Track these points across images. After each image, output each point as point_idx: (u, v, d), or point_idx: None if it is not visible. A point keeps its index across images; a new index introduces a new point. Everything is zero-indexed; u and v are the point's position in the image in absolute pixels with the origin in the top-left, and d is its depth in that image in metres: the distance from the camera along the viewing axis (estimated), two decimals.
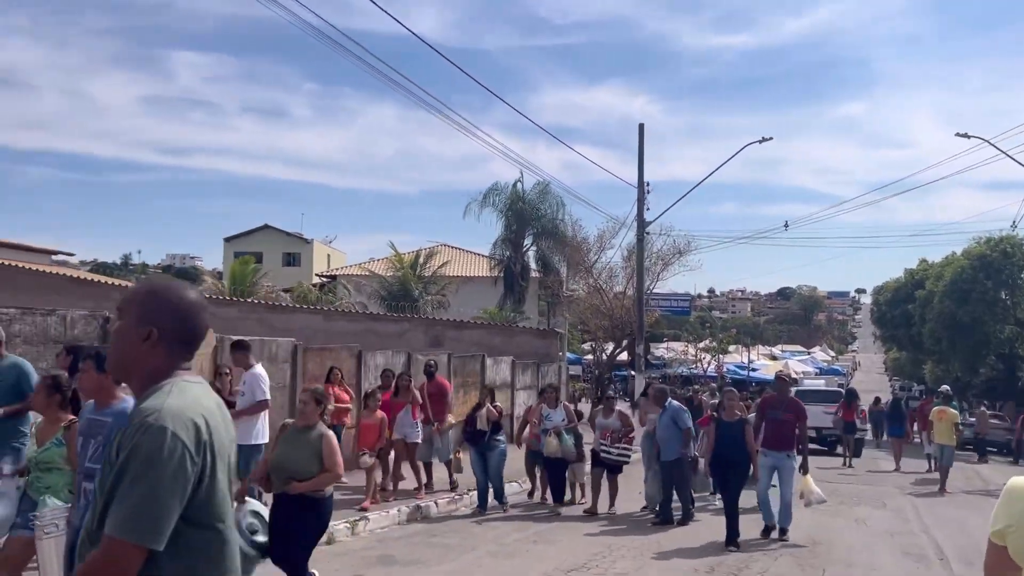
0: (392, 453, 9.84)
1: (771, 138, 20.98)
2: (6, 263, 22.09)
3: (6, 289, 20.50)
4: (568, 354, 41.05)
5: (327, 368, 10.97)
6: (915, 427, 19.74)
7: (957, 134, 20.17)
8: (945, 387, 15.43)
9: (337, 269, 42.23)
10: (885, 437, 20.96)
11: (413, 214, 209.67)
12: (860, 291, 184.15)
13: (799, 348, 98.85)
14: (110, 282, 26.94)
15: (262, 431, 7.49)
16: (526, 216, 36.65)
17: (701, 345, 51.75)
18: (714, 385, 31.45)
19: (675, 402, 9.97)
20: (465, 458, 10.57)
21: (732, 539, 8.15)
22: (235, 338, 7.71)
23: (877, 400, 22.81)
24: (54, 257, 31.27)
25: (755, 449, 8.59)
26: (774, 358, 72.52)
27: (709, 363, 49.05)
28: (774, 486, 8.84)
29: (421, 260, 33.54)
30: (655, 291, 40.25)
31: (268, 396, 7.62)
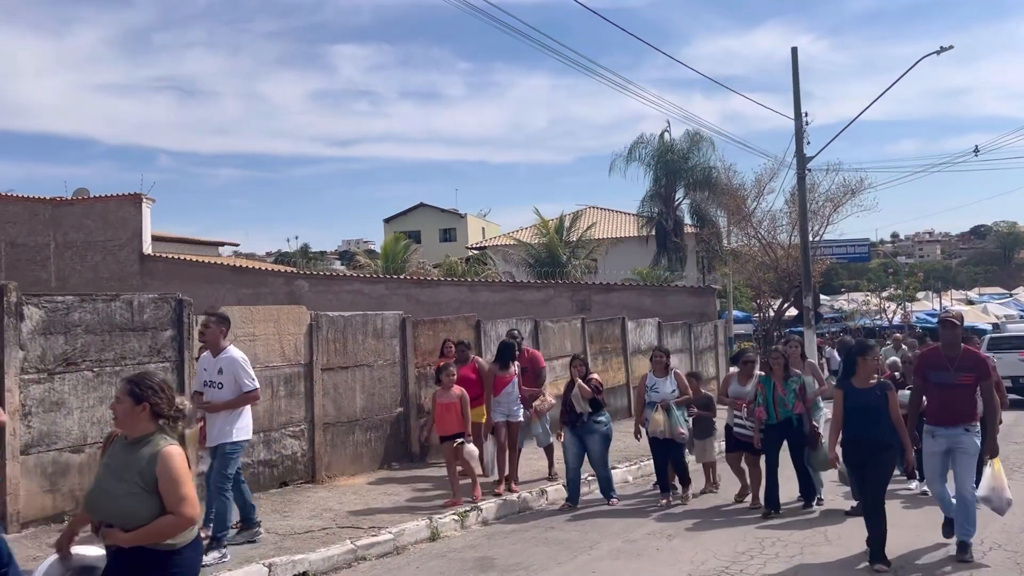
0: (489, 437, 8.45)
1: (951, 47, 17.86)
2: (169, 256, 23.14)
3: (173, 279, 21.60)
4: (737, 312, 38.59)
5: (441, 341, 10.05)
6: None
7: None
8: None
9: (487, 241, 41.87)
10: None
11: (568, 182, 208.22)
12: None
13: (999, 290, 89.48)
14: (266, 267, 27.84)
15: (247, 427, 6.22)
16: (676, 168, 34.51)
17: (884, 294, 47.24)
18: (899, 336, 28.20)
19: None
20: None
21: (876, 557, 5.81)
22: (217, 312, 6.32)
23: None
24: (221, 249, 32.86)
25: (903, 426, 6.11)
26: (970, 303, 65.82)
27: (895, 312, 44.68)
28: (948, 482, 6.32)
29: (567, 224, 32.47)
30: (826, 237, 37.00)
31: (256, 385, 6.22)
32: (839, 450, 6.29)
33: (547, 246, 31.46)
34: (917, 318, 51.59)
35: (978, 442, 6.08)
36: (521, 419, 8.62)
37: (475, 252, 39.66)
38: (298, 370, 8.55)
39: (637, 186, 62.67)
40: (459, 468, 7.75)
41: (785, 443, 7.81)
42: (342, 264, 64.31)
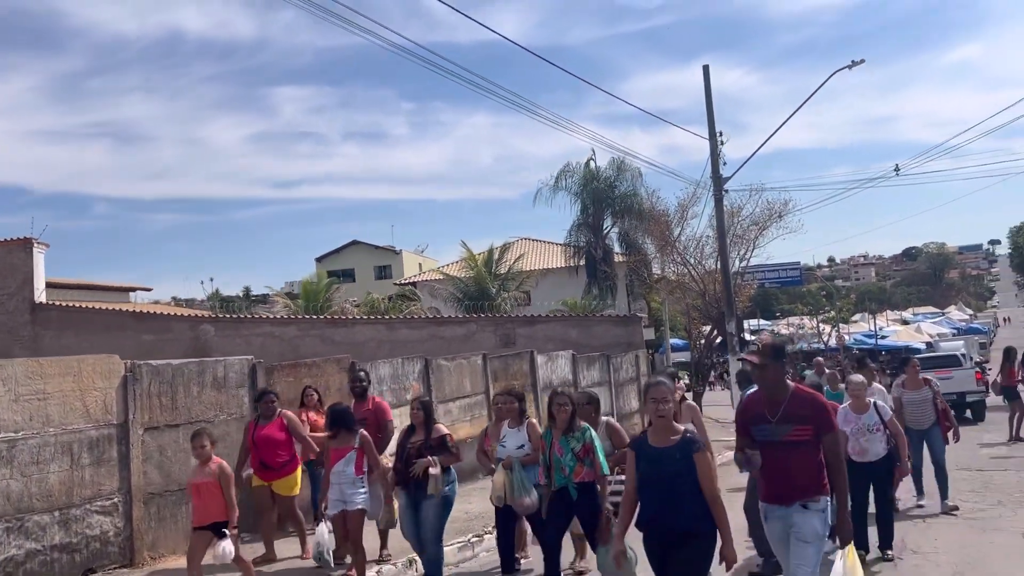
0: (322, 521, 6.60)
1: (862, 61, 17.53)
2: (62, 304, 21.33)
3: (67, 328, 19.83)
4: (675, 340, 37.97)
5: (301, 389, 8.77)
6: None
7: None
8: None
9: (414, 277, 40.61)
10: None
11: (514, 217, 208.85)
12: (994, 242, 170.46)
13: (932, 309, 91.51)
14: (170, 311, 26.08)
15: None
16: (603, 196, 33.87)
17: (819, 317, 47.29)
18: (820, 359, 27.75)
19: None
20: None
21: None
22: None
23: None
24: (132, 294, 30.91)
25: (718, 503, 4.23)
26: (905, 322, 66.91)
27: (829, 335, 44.69)
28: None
29: (496, 257, 31.50)
30: (754, 262, 36.67)
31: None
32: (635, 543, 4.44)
33: (476, 279, 30.48)
34: (855, 339, 52.05)
35: (819, 524, 4.26)
36: (361, 506, 6.52)
37: (405, 288, 38.34)
38: (108, 432, 7.17)
39: (568, 216, 62.39)
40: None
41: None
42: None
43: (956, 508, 8.57)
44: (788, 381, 4.38)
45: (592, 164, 34.01)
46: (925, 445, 8.96)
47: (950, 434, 9.06)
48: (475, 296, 29.66)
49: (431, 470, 6.39)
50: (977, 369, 19.41)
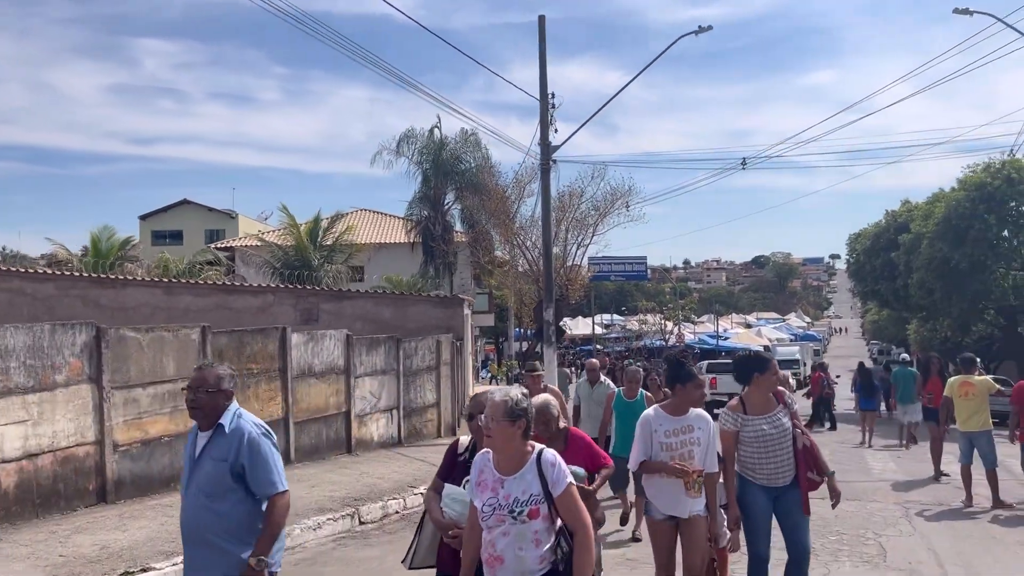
0: None
1: (710, 27, 15.81)
2: None
3: None
4: (519, 329, 36.01)
5: None
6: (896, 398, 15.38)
7: (956, 10, 15.12)
8: (968, 354, 10.27)
9: (236, 241, 36.74)
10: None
11: (386, 196, 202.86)
12: (834, 256, 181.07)
13: (774, 315, 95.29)
14: None
15: None
16: (447, 169, 31.35)
17: (662, 315, 46.87)
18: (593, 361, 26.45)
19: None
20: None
21: None
22: None
23: (861, 367, 18.05)
24: None
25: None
26: (748, 326, 68.70)
27: (671, 333, 44.29)
28: None
29: (323, 226, 28.47)
30: (603, 252, 35.33)
31: None
32: None
33: (297, 248, 27.41)
34: (700, 339, 52.29)
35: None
36: None
37: (220, 252, 34.44)
38: None
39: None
40: None
41: None
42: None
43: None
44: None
45: (437, 132, 31.43)
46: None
47: None
48: (295, 267, 26.66)
49: None
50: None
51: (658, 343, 43.32)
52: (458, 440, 4.15)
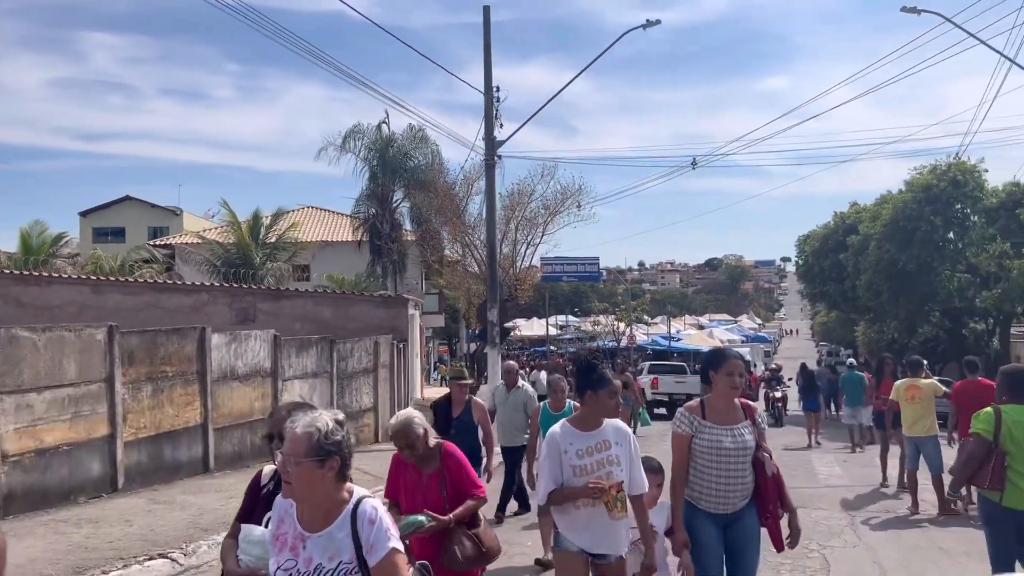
0: None
1: (658, 21, 15.47)
2: None
3: None
4: (469, 330, 35.35)
5: None
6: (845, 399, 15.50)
7: (904, 9, 14.97)
8: (915, 357, 9.99)
9: (170, 238, 35.50)
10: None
11: (335, 195, 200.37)
12: (785, 259, 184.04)
13: (726, 317, 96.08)
14: None
15: None
16: (395, 166, 30.61)
17: (612, 316, 46.67)
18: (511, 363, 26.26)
19: None
20: None
21: None
22: None
23: (803, 368, 18.17)
24: None
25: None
26: (701, 327, 69.01)
27: (623, 334, 44.08)
28: None
29: (265, 223, 27.60)
30: (554, 252, 34.96)
31: None
32: None
33: (238, 246, 26.56)
34: (653, 340, 52.23)
35: None
36: None
37: (158, 250, 33.21)
38: None
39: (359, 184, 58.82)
40: None
41: None
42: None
43: None
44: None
45: (385, 128, 30.67)
46: None
47: None
48: (236, 265, 25.80)
49: None
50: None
51: (611, 344, 43.10)
52: (262, 470, 3.38)
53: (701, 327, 69.68)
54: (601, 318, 44.70)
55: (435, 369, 37.75)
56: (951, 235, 22.10)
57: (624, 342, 41.39)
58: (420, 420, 3.77)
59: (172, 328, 10.45)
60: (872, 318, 28.21)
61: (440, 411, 6.78)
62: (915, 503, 8.88)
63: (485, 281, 23.42)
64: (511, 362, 10.04)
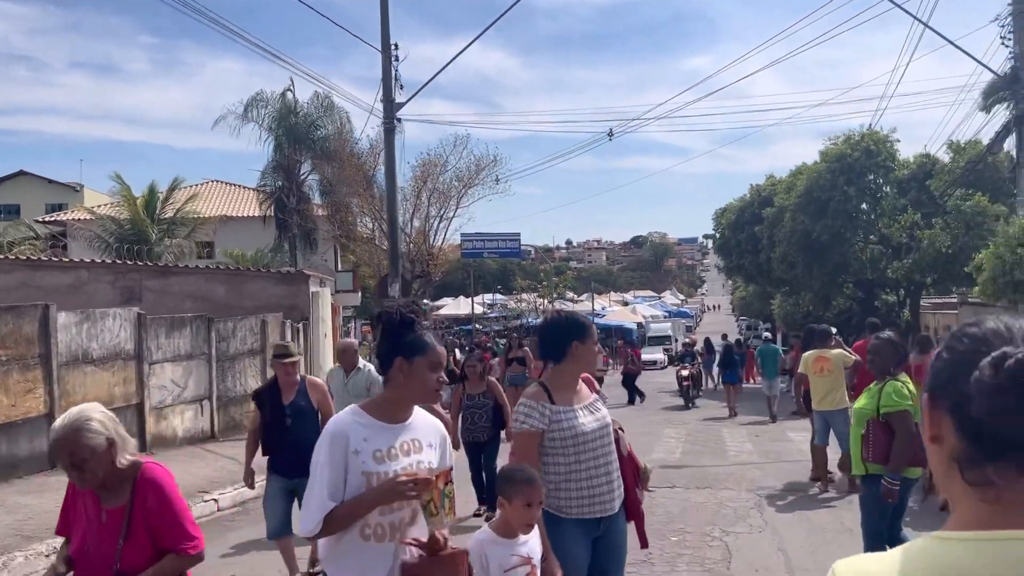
0: None
1: None
2: None
3: None
4: None
5: None
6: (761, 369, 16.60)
7: None
8: (824, 326, 9.55)
9: (60, 214, 33.20)
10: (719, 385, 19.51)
11: (253, 174, 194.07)
12: (708, 236, 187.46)
13: (650, 293, 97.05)
14: None
15: None
16: (302, 136, 29.06)
17: (534, 294, 46.17)
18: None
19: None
20: None
21: None
22: None
23: (708, 343, 19.51)
24: None
25: None
26: (625, 304, 69.42)
27: (545, 311, 43.56)
28: None
29: (161, 196, 25.87)
30: (468, 227, 34.08)
31: None
32: None
33: (133, 221, 24.86)
34: None
35: None
36: None
37: (49, 226, 30.96)
38: None
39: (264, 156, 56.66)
40: None
41: None
42: None
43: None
44: None
45: (290, 95, 29.05)
46: None
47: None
48: (131, 241, 24.07)
49: None
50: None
51: (535, 322, 42.57)
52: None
53: (625, 303, 70.14)
54: (524, 296, 44.04)
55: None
56: (864, 206, 22.04)
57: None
58: (102, 424, 2.52)
59: (7, 306, 9.15)
60: (788, 291, 28.24)
61: (266, 399, 5.65)
62: (825, 482, 8.36)
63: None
64: (349, 339, 8.89)
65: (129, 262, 19.22)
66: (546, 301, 44.04)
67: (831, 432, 8.40)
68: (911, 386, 4.87)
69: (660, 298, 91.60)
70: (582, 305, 61.16)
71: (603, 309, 61.13)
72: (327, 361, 26.24)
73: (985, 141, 20.13)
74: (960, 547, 0.92)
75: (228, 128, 29.08)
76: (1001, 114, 16.84)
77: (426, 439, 2.59)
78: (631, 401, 18.90)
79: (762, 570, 5.78)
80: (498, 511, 3.03)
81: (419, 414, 2.62)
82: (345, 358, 7.15)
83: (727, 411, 15.98)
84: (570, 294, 64.98)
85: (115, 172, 25.55)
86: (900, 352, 5.05)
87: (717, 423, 14.87)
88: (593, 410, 3.29)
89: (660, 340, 44.06)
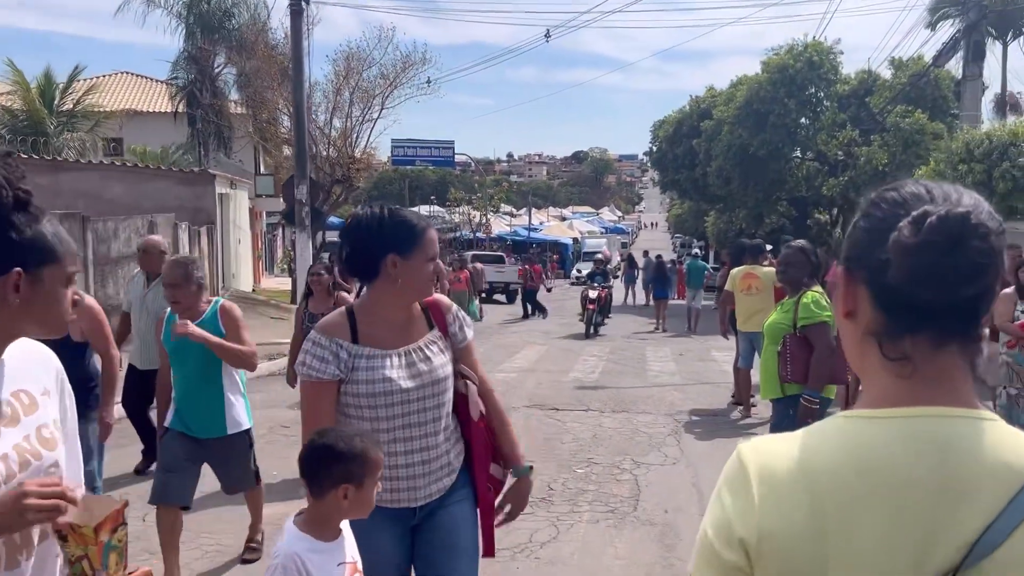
0: None
1: None
2: None
3: None
4: (335, 218, 32.46)
5: None
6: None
7: None
8: (757, 240, 8.88)
9: None
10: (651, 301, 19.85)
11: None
12: (648, 153, 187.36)
13: (589, 209, 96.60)
14: None
15: None
16: (215, 25, 26.82)
17: (469, 207, 44.95)
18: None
19: None
20: None
21: None
22: None
23: (631, 259, 21.00)
24: None
25: None
26: (563, 219, 68.85)
27: (479, 224, 42.54)
28: None
29: (60, 86, 23.65)
30: (396, 131, 32.58)
31: None
32: None
33: (29, 112, 22.74)
34: (514, 231, 51.12)
35: None
36: None
37: None
38: None
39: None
40: None
41: None
42: None
43: None
44: None
45: None
46: None
47: None
48: (27, 134, 22.00)
49: None
50: (520, 267, 21.76)
51: (470, 236, 41.56)
52: None
53: (563, 219, 69.59)
54: (459, 208, 42.82)
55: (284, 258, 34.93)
56: (804, 120, 21.34)
57: (481, 233, 39.94)
58: None
59: None
60: (722, 208, 27.72)
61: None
62: (747, 407, 7.76)
63: (315, 160, 20.95)
64: (152, 237, 6.56)
65: (11, 156, 17.49)
66: (480, 214, 42.90)
67: (755, 355, 7.75)
68: (828, 298, 4.37)
69: (598, 214, 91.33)
70: (519, 220, 60.36)
71: (540, 224, 60.60)
72: (242, 269, 24.91)
73: (928, 59, 19.55)
74: (872, 425, 0.87)
75: (133, 16, 26.64)
76: (946, 30, 16.18)
77: (38, 384, 1.41)
78: (526, 315, 19.02)
79: (672, 510, 5.10)
80: (306, 504, 2.02)
81: (16, 346, 1.38)
82: (147, 261, 5.67)
83: (654, 326, 16.41)
84: (507, 207, 64.01)
85: (8, 58, 23.16)
86: (814, 261, 4.59)
87: (643, 341, 14.39)
88: (420, 358, 2.24)
89: (594, 256, 43.73)
